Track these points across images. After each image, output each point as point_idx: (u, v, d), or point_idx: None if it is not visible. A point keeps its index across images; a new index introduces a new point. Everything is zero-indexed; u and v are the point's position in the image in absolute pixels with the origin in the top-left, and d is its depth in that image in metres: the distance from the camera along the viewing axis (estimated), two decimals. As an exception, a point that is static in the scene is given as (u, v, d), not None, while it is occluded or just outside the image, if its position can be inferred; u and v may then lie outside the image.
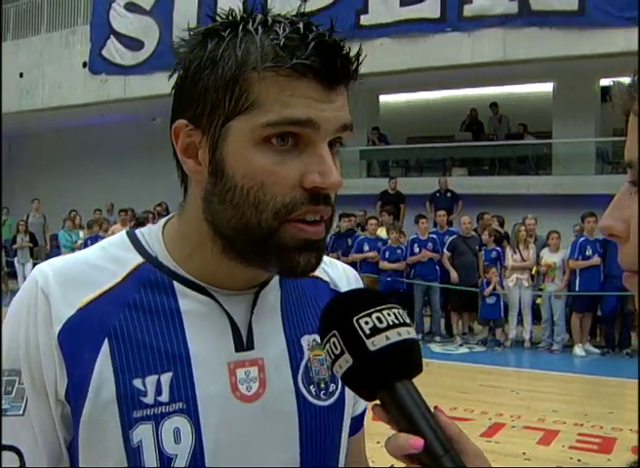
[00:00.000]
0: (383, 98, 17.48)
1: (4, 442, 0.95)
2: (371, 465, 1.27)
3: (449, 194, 13.82)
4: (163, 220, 1.06)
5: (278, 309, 1.05)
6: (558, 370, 8.83)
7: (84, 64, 16.62)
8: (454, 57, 12.47)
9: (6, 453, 0.95)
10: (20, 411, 0.95)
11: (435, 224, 12.04)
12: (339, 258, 11.86)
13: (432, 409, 0.82)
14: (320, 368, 1.05)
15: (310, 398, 1.03)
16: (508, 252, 10.47)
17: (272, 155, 0.90)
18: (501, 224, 11.52)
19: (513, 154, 15.41)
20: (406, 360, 0.83)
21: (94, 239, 11.93)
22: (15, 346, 0.95)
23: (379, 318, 0.83)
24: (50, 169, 20.27)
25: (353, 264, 11.00)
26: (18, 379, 0.95)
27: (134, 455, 0.92)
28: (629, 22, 10.57)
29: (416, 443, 0.77)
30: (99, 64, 16.32)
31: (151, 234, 1.04)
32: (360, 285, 1.18)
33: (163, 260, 1.00)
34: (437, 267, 10.97)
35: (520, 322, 10.45)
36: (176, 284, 0.99)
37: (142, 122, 16.90)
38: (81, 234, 14.23)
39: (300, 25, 0.89)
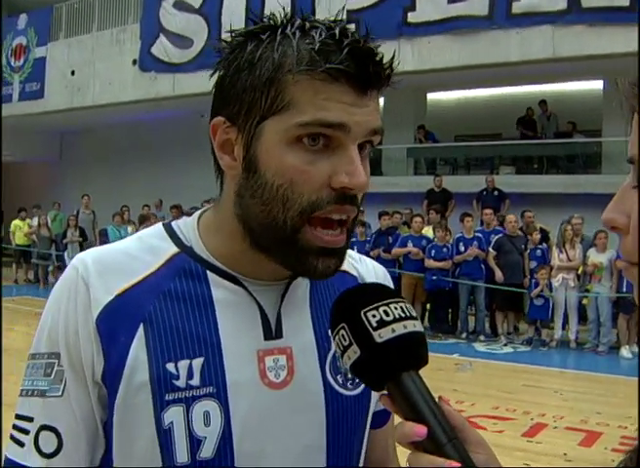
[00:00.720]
0: (431, 96, 17.38)
1: (44, 422, 1.00)
2: None
3: (496, 192, 13.67)
4: (198, 212, 1.10)
5: (307, 301, 1.08)
6: (603, 372, 8.69)
7: (134, 62, 16.83)
8: (502, 54, 12.32)
9: (44, 433, 1.00)
10: (59, 393, 0.99)
11: (482, 223, 11.94)
12: (379, 255, 11.69)
13: (437, 400, 0.85)
14: None
15: (337, 387, 1.06)
16: (555, 251, 10.34)
17: (304, 155, 0.93)
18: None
19: (562, 153, 15.14)
20: (411, 352, 0.85)
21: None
22: (55, 330, 1.00)
23: (385, 311, 0.86)
24: (100, 165, 20.61)
25: (395, 261, 10.98)
26: (57, 362, 1.00)
27: (165, 437, 0.96)
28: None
29: (420, 431, 0.80)
30: (148, 62, 16.51)
31: (187, 225, 1.08)
32: (389, 282, 1.20)
33: (197, 251, 1.04)
34: (483, 266, 10.88)
35: (566, 322, 10.31)
36: (209, 273, 1.03)
37: (191, 119, 17.06)
38: (129, 229, 14.44)
39: (336, 31, 0.92)
